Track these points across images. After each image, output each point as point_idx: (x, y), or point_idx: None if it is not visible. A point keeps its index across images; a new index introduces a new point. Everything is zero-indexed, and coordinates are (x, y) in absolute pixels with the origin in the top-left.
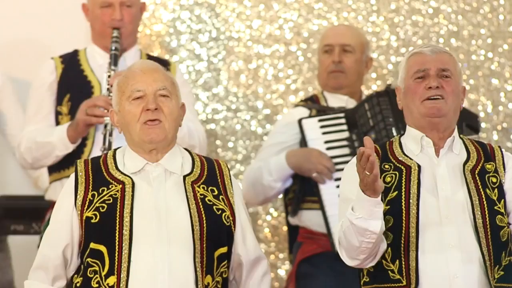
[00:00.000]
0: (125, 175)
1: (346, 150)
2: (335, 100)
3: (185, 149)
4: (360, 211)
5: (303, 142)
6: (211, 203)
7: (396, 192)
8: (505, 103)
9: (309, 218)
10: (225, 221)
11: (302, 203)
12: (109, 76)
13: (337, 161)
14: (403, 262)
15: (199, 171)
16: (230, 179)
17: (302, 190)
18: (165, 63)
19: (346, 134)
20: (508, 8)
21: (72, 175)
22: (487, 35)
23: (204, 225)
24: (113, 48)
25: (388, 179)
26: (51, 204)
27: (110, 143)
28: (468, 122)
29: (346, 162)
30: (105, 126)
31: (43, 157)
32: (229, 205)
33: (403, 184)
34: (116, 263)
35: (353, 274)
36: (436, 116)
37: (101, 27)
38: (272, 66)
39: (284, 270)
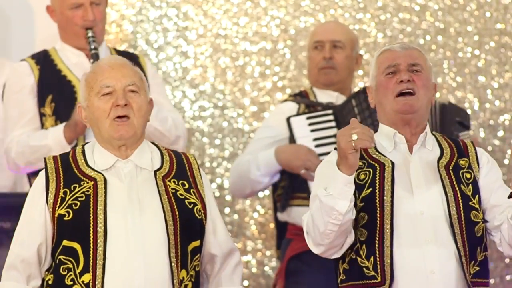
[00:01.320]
0: (96, 171)
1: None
2: (325, 96)
3: (153, 143)
4: (331, 189)
5: (291, 140)
6: (183, 197)
7: (370, 189)
8: (492, 100)
9: (298, 215)
10: (197, 215)
11: (291, 199)
12: None
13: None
14: (378, 259)
15: (168, 166)
16: (199, 172)
17: (291, 186)
18: (134, 57)
19: (334, 131)
20: (495, 5)
21: (42, 173)
22: (473, 33)
23: (178, 219)
24: (93, 47)
25: (362, 176)
26: None
27: None
28: (460, 119)
29: None
30: None
31: (37, 160)
32: (200, 198)
33: (377, 181)
34: (91, 260)
35: None
36: (408, 112)
37: (73, 28)
38: (259, 63)
39: (270, 267)
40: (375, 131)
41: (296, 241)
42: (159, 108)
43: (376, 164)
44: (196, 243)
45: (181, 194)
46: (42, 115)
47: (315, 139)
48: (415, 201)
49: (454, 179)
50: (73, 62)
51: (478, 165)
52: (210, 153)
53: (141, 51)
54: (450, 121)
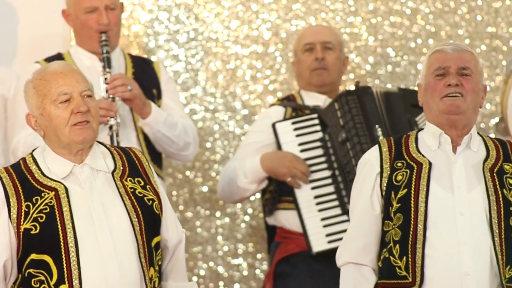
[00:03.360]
0: (54, 181)
1: (320, 151)
2: (312, 99)
3: (100, 143)
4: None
5: (277, 146)
6: (142, 194)
7: (406, 189)
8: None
9: (285, 218)
10: (156, 210)
11: (278, 203)
12: (105, 79)
13: (311, 162)
14: (410, 259)
15: (121, 164)
16: (149, 165)
17: (278, 191)
18: (148, 63)
19: (319, 135)
20: (486, 9)
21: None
22: (464, 36)
23: (141, 218)
24: (105, 51)
25: (400, 177)
26: None
27: (118, 143)
28: (413, 102)
29: (320, 163)
30: (110, 127)
31: None
32: (156, 193)
33: (413, 182)
34: (65, 271)
35: (331, 274)
36: (454, 113)
37: (88, 32)
38: (250, 66)
39: (261, 270)
40: (358, 134)
41: (284, 244)
42: (169, 113)
43: (414, 164)
44: (157, 239)
45: (139, 192)
46: None
47: (301, 144)
48: (455, 201)
49: (497, 183)
50: (86, 65)
51: None
52: (201, 156)
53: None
54: (401, 109)
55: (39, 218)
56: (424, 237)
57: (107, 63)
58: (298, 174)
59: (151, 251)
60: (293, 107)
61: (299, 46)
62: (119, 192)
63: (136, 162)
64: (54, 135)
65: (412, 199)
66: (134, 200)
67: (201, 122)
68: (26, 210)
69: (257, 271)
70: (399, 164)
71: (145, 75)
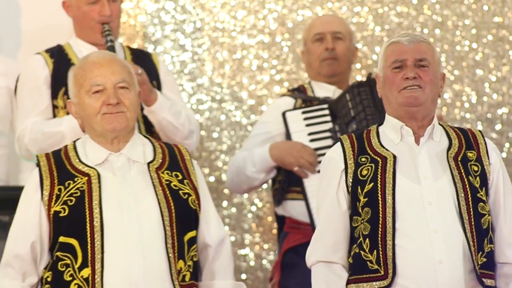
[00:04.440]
0: (89, 167)
1: (329, 142)
2: (322, 90)
3: (145, 136)
4: None
5: (287, 135)
6: (177, 188)
7: (372, 183)
8: (490, 93)
9: (294, 208)
10: (191, 205)
11: (286, 193)
12: None
13: (320, 153)
14: (381, 252)
15: (161, 157)
16: (192, 162)
17: (287, 181)
18: (147, 55)
19: (329, 126)
20: None
21: (36, 170)
22: (471, 26)
23: (173, 210)
24: (109, 40)
25: (365, 172)
26: None
27: None
28: None
29: None
30: None
31: (51, 147)
32: (194, 188)
33: (378, 175)
34: (90, 255)
35: None
36: (413, 105)
37: (89, 23)
38: (257, 56)
39: (268, 260)
40: (369, 125)
41: (292, 234)
42: (173, 103)
43: (378, 159)
44: (192, 234)
45: (175, 185)
46: (54, 107)
47: (310, 134)
48: (423, 191)
49: (462, 170)
50: None
51: (489, 158)
52: (208, 146)
53: (138, 44)
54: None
55: (68, 202)
56: (394, 229)
57: (112, 51)
58: (306, 164)
59: (182, 244)
60: (303, 99)
61: (308, 36)
62: (153, 183)
63: (178, 157)
64: (88, 124)
65: (379, 192)
66: (168, 192)
67: (208, 112)
68: (58, 193)
69: (264, 262)
70: (363, 159)
71: (144, 67)
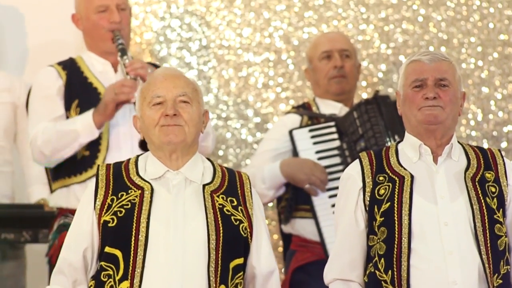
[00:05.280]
0: (145, 181)
1: (337, 160)
2: (328, 108)
3: (208, 159)
4: None
5: (294, 153)
6: (229, 213)
7: (389, 203)
8: (495, 111)
9: (302, 227)
10: (242, 232)
11: (295, 211)
12: (124, 65)
13: (328, 171)
14: (395, 272)
15: (219, 181)
16: (251, 191)
17: (295, 198)
18: (156, 67)
19: (337, 143)
20: (498, 16)
21: (93, 179)
22: (477, 43)
23: (221, 235)
24: (119, 42)
25: (382, 191)
26: (59, 211)
27: None
28: None
29: (338, 171)
30: (134, 103)
31: (64, 147)
32: (248, 216)
33: (395, 195)
34: (131, 268)
35: None
36: (433, 123)
37: (100, 32)
38: (263, 74)
39: None
40: (377, 143)
41: (300, 252)
42: None
43: (396, 178)
44: (239, 261)
45: (227, 210)
46: (67, 118)
47: (318, 152)
48: (439, 212)
49: (480, 191)
50: (98, 70)
51: (507, 179)
52: None
53: None
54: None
55: (118, 212)
56: (409, 249)
57: (123, 54)
58: (317, 182)
59: (226, 269)
60: (309, 116)
61: (315, 53)
62: (205, 205)
63: (238, 183)
64: (148, 136)
65: (396, 212)
66: (219, 216)
67: (215, 129)
68: (110, 203)
69: None
70: (381, 178)
71: None
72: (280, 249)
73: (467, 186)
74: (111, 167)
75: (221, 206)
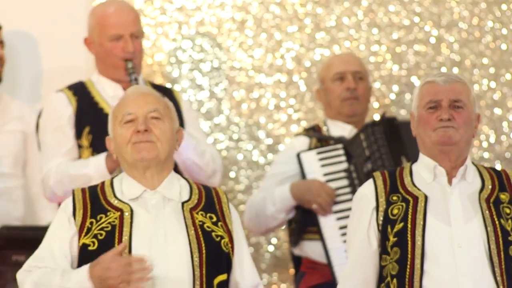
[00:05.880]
0: (123, 202)
1: (345, 182)
2: (338, 129)
3: (183, 177)
4: None
5: (302, 176)
6: (210, 229)
7: (402, 223)
8: (508, 133)
9: (311, 249)
10: (224, 248)
11: (303, 234)
12: None
13: (335, 193)
14: None
15: (197, 198)
16: (228, 206)
17: (303, 220)
18: (168, 91)
19: (344, 165)
20: (510, 37)
21: (68, 201)
22: (489, 65)
23: (204, 251)
24: (133, 78)
25: (396, 211)
26: None
27: None
28: None
29: (346, 193)
30: None
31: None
32: (228, 231)
33: (409, 215)
34: None
35: None
36: (447, 144)
37: (112, 60)
38: (274, 95)
39: None
40: (384, 165)
41: (309, 274)
42: (197, 142)
43: (410, 198)
44: (222, 277)
45: (208, 227)
46: (79, 146)
47: (325, 174)
48: (453, 234)
49: (494, 213)
50: (110, 95)
51: None
52: (225, 185)
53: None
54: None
55: (98, 235)
56: (422, 270)
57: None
58: (323, 202)
59: (211, 286)
60: (318, 138)
61: (327, 74)
62: (185, 222)
63: (215, 199)
64: (121, 155)
65: (409, 233)
66: (200, 233)
67: (225, 152)
68: (89, 226)
69: None
70: (394, 198)
71: None
72: (292, 270)
73: (481, 208)
74: (86, 191)
75: (201, 223)
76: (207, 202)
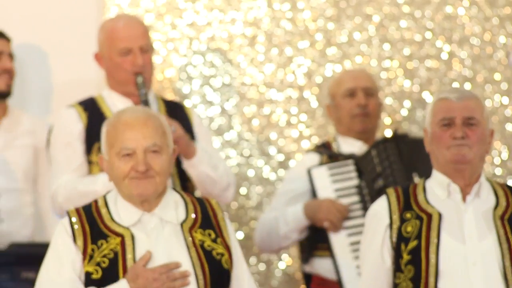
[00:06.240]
0: (122, 227)
1: (356, 198)
2: (349, 146)
3: (177, 191)
4: None
5: (313, 192)
6: (210, 248)
7: (416, 241)
8: None
9: (322, 266)
10: (225, 265)
11: (314, 250)
12: None
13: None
14: None
15: (193, 215)
16: (224, 220)
17: (313, 237)
18: (180, 107)
19: (355, 182)
20: None
21: (65, 224)
22: (501, 80)
23: (207, 271)
24: (143, 94)
25: (409, 229)
26: None
27: None
28: None
29: (356, 209)
30: None
31: None
32: (227, 247)
33: (423, 233)
34: None
35: None
36: (461, 162)
37: (123, 75)
38: (285, 111)
39: None
40: (395, 181)
41: None
42: (210, 155)
43: (423, 215)
44: None
45: (208, 245)
46: (89, 162)
47: (336, 190)
48: (467, 252)
49: (508, 230)
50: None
51: None
52: (236, 202)
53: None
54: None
55: (101, 263)
56: None
57: (145, 105)
58: (334, 219)
59: None
60: (329, 155)
61: (338, 90)
62: (186, 244)
63: (210, 213)
64: (117, 185)
65: (423, 251)
66: (202, 254)
67: (236, 168)
68: (91, 253)
69: None
70: (408, 215)
71: (178, 119)
72: (304, 287)
73: (496, 225)
74: (82, 213)
75: (201, 242)
76: (204, 218)
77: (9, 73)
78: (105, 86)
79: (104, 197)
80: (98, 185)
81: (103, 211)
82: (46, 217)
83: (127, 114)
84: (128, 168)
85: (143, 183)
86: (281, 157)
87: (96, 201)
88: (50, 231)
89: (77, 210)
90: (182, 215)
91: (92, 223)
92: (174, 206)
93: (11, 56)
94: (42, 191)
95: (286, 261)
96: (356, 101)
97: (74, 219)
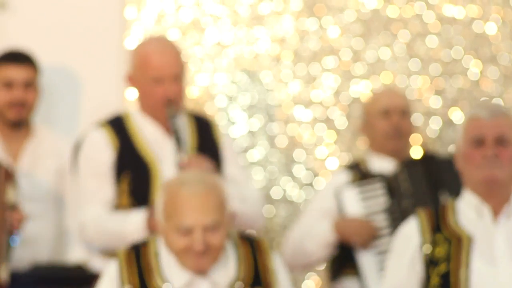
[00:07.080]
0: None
1: (384, 218)
2: (380, 163)
3: (231, 236)
4: None
5: (342, 212)
6: None
7: (446, 264)
8: None
9: (348, 285)
10: None
11: (342, 269)
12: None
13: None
14: None
15: (243, 271)
16: (272, 260)
17: (342, 256)
18: (209, 125)
19: (384, 202)
20: None
21: (114, 267)
22: None
23: None
24: (174, 123)
25: (439, 251)
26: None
27: None
28: None
29: (385, 230)
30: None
31: (112, 245)
32: None
33: (452, 256)
34: None
35: None
36: (492, 183)
37: (153, 103)
38: (312, 130)
39: None
40: (426, 202)
41: None
42: (238, 187)
43: (454, 237)
44: None
45: None
46: (118, 190)
47: (365, 209)
48: (499, 274)
49: None
50: (149, 131)
51: None
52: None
53: None
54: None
55: None
56: None
57: (178, 143)
58: (364, 237)
59: None
60: (358, 174)
61: (373, 109)
62: None
63: (260, 267)
64: (171, 250)
65: (453, 274)
66: None
67: (262, 189)
68: None
69: None
70: (438, 237)
71: (207, 139)
72: None
73: None
74: (133, 262)
75: None
76: (255, 274)
77: (22, 104)
78: (135, 106)
79: (155, 252)
80: (128, 228)
81: (153, 261)
82: (65, 235)
83: (186, 189)
84: (186, 244)
85: (200, 260)
86: (307, 177)
87: (144, 243)
88: (68, 249)
89: (128, 254)
90: (232, 272)
91: (140, 276)
92: (225, 263)
93: (33, 86)
94: (66, 212)
95: (314, 280)
96: (390, 121)
97: (123, 267)
